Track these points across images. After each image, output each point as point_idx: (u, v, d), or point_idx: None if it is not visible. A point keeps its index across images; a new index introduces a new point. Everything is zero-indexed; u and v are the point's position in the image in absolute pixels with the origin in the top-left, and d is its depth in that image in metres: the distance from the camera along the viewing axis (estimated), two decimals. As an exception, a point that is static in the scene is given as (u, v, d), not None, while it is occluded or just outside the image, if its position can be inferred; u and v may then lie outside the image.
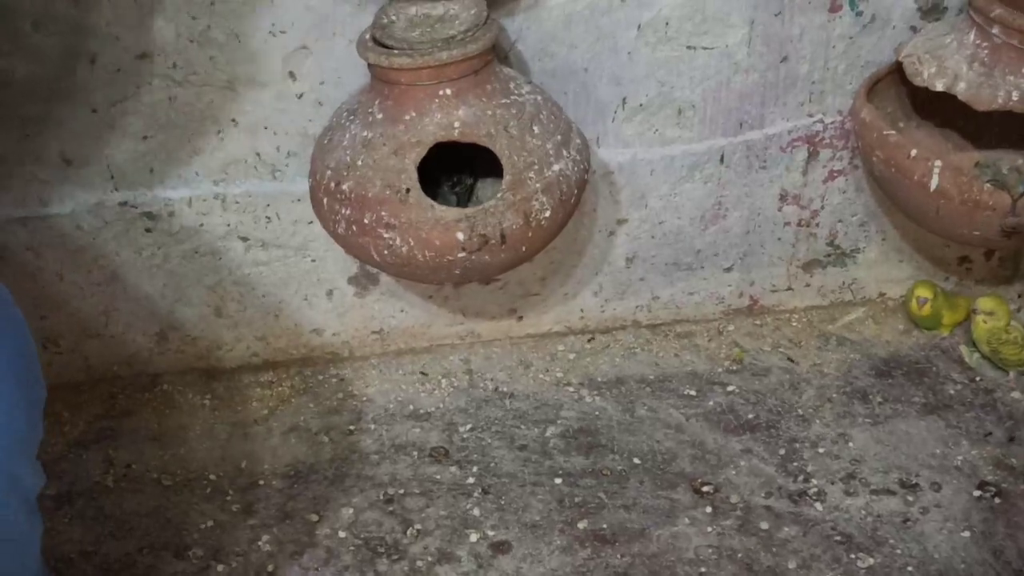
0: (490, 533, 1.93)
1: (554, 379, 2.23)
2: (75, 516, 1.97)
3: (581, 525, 1.93)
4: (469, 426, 2.12)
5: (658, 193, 2.17)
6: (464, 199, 2.02)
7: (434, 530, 1.93)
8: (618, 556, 1.88)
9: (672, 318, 2.33)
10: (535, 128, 1.82)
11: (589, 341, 2.30)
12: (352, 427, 2.13)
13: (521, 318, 2.28)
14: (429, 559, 1.88)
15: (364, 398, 2.20)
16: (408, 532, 1.93)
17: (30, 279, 2.11)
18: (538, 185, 1.81)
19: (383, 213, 1.79)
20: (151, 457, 2.09)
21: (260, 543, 1.92)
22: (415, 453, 2.07)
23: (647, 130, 2.10)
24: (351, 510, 1.97)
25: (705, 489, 1.99)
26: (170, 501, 2.00)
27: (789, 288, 2.32)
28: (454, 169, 2.00)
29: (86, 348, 2.20)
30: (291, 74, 1.97)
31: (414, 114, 1.79)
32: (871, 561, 1.84)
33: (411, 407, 2.17)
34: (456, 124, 1.78)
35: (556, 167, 1.83)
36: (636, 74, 2.05)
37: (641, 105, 2.07)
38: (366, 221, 1.81)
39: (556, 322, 2.30)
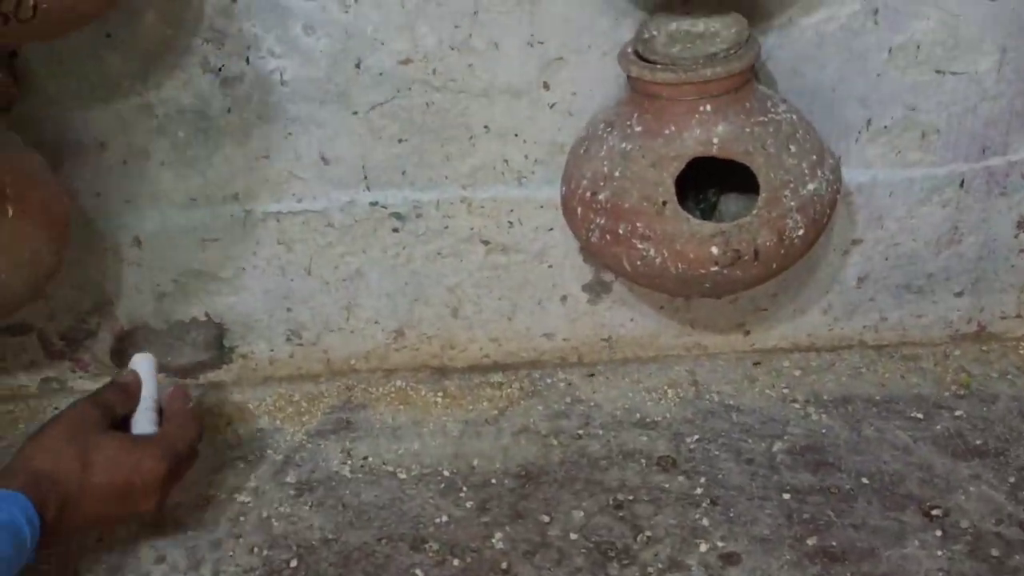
0: (720, 544, 1.94)
1: (780, 395, 2.23)
2: (315, 504, 2.03)
3: (810, 542, 1.93)
4: (696, 437, 2.14)
5: (895, 215, 2.17)
6: (708, 214, 2.04)
7: (664, 538, 1.95)
8: (848, 575, 1.87)
9: (899, 340, 2.33)
10: (791, 147, 1.83)
11: (815, 359, 2.30)
12: (580, 431, 2.16)
13: (748, 332, 2.29)
14: (660, 566, 1.90)
15: (592, 403, 2.23)
16: (638, 538, 1.95)
17: (279, 272, 2.18)
18: (793, 203, 1.82)
19: (638, 224, 1.82)
20: (386, 450, 2.14)
21: (494, 540, 1.96)
22: (643, 461, 2.10)
23: (889, 152, 2.10)
24: (582, 513, 2.00)
25: (934, 512, 1.98)
26: (406, 494, 2.05)
27: (1018, 316, 2.30)
28: (698, 184, 2.02)
29: (326, 341, 2.27)
30: (545, 84, 2.01)
31: (673, 128, 1.82)
32: (1110, 595, 1.82)
33: (638, 415, 2.20)
34: (715, 140, 1.81)
35: (811, 186, 1.84)
36: (883, 96, 2.05)
37: (885, 127, 2.08)
38: (620, 231, 1.84)
39: (783, 338, 2.31)
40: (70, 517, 1.72)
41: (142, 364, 1.96)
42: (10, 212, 1.76)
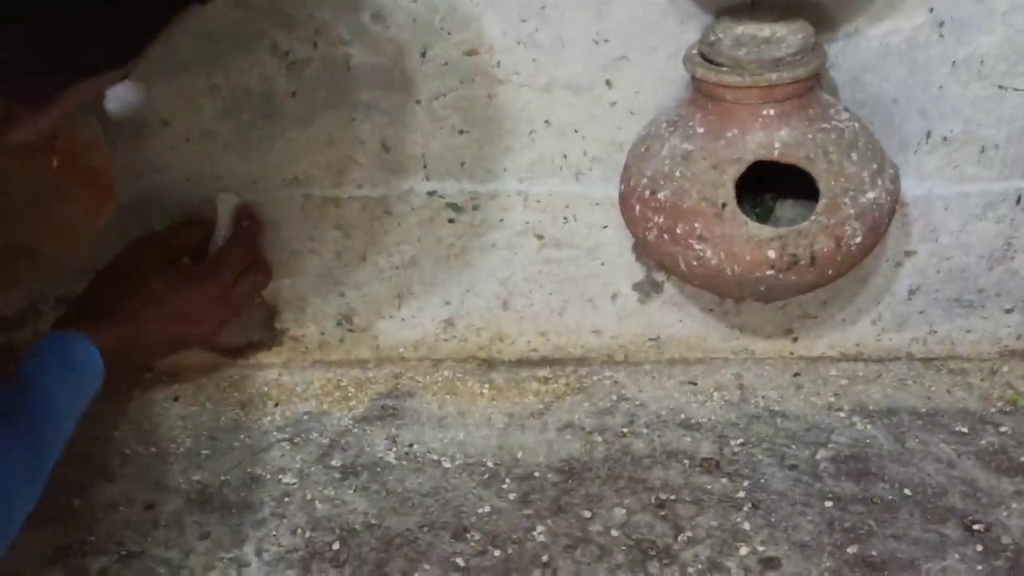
0: (760, 548, 1.94)
1: (825, 403, 2.24)
2: (360, 488, 2.05)
3: (851, 550, 1.94)
4: (740, 440, 2.15)
5: (949, 229, 2.17)
6: (763, 218, 2.04)
7: (704, 539, 1.96)
8: (888, 585, 1.88)
9: (947, 353, 2.33)
10: (853, 155, 1.84)
11: (862, 368, 2.30)
12: (625, 429, 2.18)
13: (796, 339, 2.30)
14: (700, 567, 1.91)
15: (637, 402, 2.24)
16: (679, 538, 1.96)
17: (335, 257, 2.21)
18: (852, 211, 1.83)
19: (697, 225, 1.83)
20: (431, 439, 2.16)
21: (535, 533, 1.97)
22: (686, 461, 2.11)
23: (947, 165, 2.11)
24: (623, 511, 2.01)
25: (976, 527, 1.98)
26: (449, 483, 2.06)
27: (1068, 335, 2.30)
28: (754, 187, 2.02)
29: (377, 328, 2.29)
30: (608, 82, 2.02)
31: (736, 131, 1.83)
32: None
33: (682, 416, 2.21)
34: (777, 144, 1.81)
35: (870, 195, 1.85)
36: (944, 109, 2.05)
37: (944, 140, 2.08)
38: (679, 231, 1.85)
39: (830, 347, 2.31)
40: (129, 346, 1.75)
41: (223, 203, 2.01)
42: (55, 162, 1.79)
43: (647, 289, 2.24)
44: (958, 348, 2.33)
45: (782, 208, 2.07)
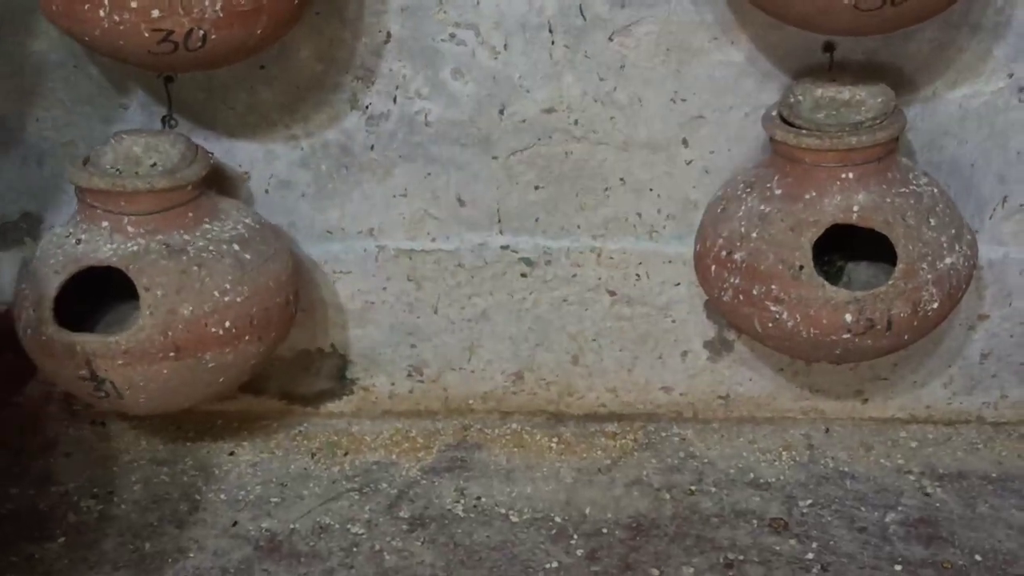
0: (829, 611, 1.93)
1: (895, 465, 2.22)
2: (427, 540, 2.05)
3: (921, 615, 1.92)
4: (809, 501, 2.13)
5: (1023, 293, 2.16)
6: (832, 280, 2.03)
7: (773, 601, 1.94)
8: (958, 652, 1.86)
9: (1018, 418, 2.31)
10: (931, 220, 1.84)
11: (932, 431, 2.29)
12: (693, 487, 2.17)
13: (866, 400, 2.29)
14: (769, 629, 1.90)
15: (705, 460, 2.23)
16: (748, 599, 1.95)
17: (407, 309, 2.22)
18: (929, 276, 1.82)
19: (773, 287, 1.83)
20: (499, 492, 2.16)
21: (603, 591, 1.96)
22: (754, 521, 2.09)
23: (1023, 231, 2.09)
24: (691, 570, 2.00)
25: (1047, 596, 1.96)
26: (517, 537, 2.06)
27: None
28: (823, 247, 2.02)
29: (447, 379, 2.29)
30: (684, 141, 2.03)
31: (814, 194, 1.83)
32: None
33: (751, 475, 2.20)
34: (855, 208, 1.81)
35: (948, 260, 1.84)
36: (1022, 175, 2.06)
37: (1022, 206, 2.08)
38: (754, 292, 1.85)
39: (900, 409, 2.30)
40: None
41: None
42: None
43: (718, 347, 2.24)
44: (1030, 413, 2.31)
45: (856, 270, 2.07)
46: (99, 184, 1.88)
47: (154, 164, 1.91)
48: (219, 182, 2.09)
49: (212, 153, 2.01)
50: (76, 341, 1.87)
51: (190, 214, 1.93)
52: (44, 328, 1.87)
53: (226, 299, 1.91)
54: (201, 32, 1.66)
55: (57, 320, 1.88)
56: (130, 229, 1.90)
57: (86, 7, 1.66)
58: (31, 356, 1.92)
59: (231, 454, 2.24)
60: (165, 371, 1.88)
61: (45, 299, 1.87)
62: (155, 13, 1.65)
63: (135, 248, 1.89)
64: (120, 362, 1.87)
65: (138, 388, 1.90)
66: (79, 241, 1.90)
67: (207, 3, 1.66)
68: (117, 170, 1.91)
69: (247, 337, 1.93)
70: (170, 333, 1.87)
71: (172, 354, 1.87)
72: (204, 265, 1.90)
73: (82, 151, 1.99)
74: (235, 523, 2.07)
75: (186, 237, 1.92)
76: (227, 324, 1.91)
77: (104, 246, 1.89)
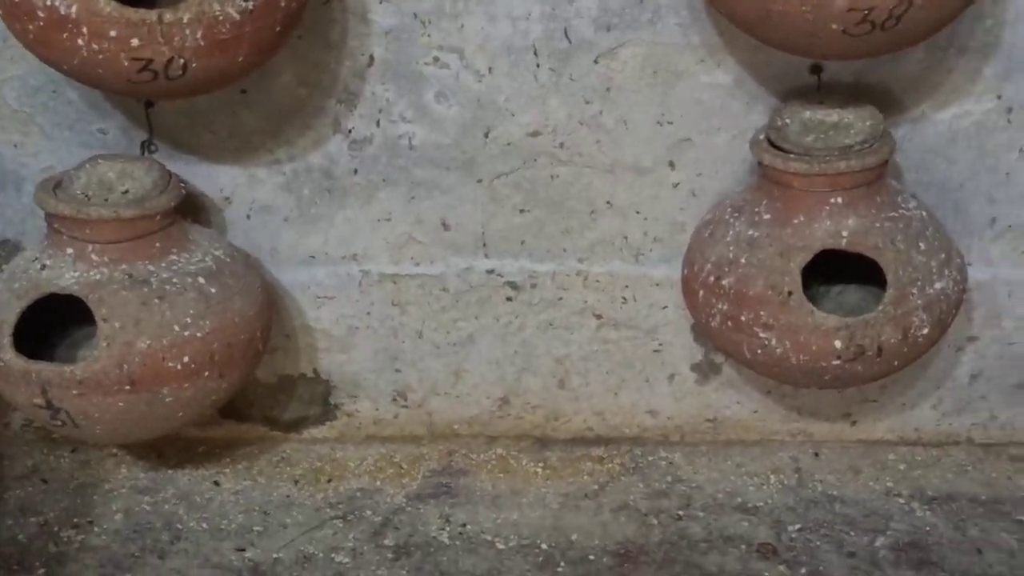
0: (820, 638, 1.91)
1: (884, 488, 2.21)
2: (413, 569, 2.03)
3: (912, 641, 1.90)
4: (797, 526, 2.12)
5: (1013, 315, 2.16)
6: (818, 303, 2.01)
7: (763, 628, 1.93)
8: (949, 678, 1.85)
9: (1008, 439, 2.30)
10: (921, 244, 1.82)
11: (921, 453, 2.27)
12: (680, 512, 2.15)
13: (855, 423, 2.27)
14: (759, 657, 1.88)
15: (693, 484, 2.22)
16: (737, 627, 1.93)
17: (391, 334, 2.20)
18: (920, 301, 1.81)
19: (762, 313, 1.82)
20: (485, 518, 2.14)
21: (592, 619, 1.94)
22: (743, 546, 2.08)
23: (1012, 252, 2.10)
24: (680, 597, 1.98)
25: (1039, 620, 1.94)
26: (504, 565, 2.04)
27: None
28: (815, 274, 2.00)
29: (431, 404, 2.27)
30: (671, 163, 2.02)
31: (803, 219, 1.81)
32: None
33: (739, 499, 2.18)
34: (844, 233, 1.80)
35: (938, 285, 1.83)
36: (1011, 195, 2.04)
37: (1010, 227, 2.07)
38: (743, 318, 1.83)
39: (889, 431, 2.29)
40: None
41: None
42: None
43: (705, 370, 2.22)
44: (1020, 434, 2.30)
45: (845, 294, 2.05)
46: (64, 210, 1.84)
47: (126, 191, 1.88)
48: (198, 208, 2.06)
49: (185, 182, 1.97)
50: (32, 369, 1.84)
51: (157, 244, 1.89)
52: (2, 354, 1.84)
53: (186, 333, 1.86)
54: (182, 61, 1.64)
55: (17, 345, 1.84)
56: (94, 257, 1.87)
57: (64, 36, 1.63)
58: (-8, 382, 1.89)
59: (215, 483, 2.21)
60: (121, 403, 1.85)
61: (5, 324, 1.84)
62: (135, 42, 1.62)
63: (97, 277, 1.86)
64: (75, 392, 1.83)
65: (93, 419, 1.87)
66: (44, 267, 1.87)
67: (188, 32, 1.63)
68: (86, 196, 1.87)
69: (207, 373, 1.89)
70: (126, 366, 1.83)
71: (128, 387, 1.84)
72: (166, 297, 1.86)
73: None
74: (217, 553, 2.04)
75: (151, 268, 1.88)
76: (185, 359, 1.87)
77: (67, 273, 1.86)
